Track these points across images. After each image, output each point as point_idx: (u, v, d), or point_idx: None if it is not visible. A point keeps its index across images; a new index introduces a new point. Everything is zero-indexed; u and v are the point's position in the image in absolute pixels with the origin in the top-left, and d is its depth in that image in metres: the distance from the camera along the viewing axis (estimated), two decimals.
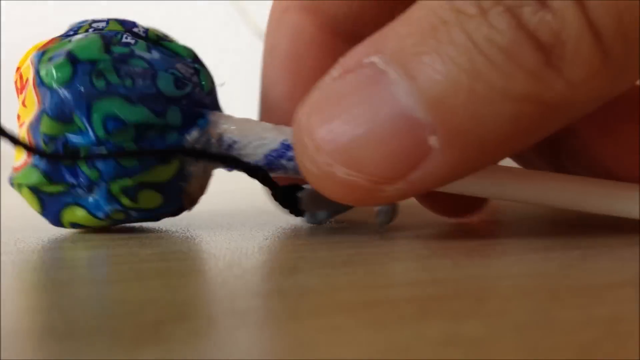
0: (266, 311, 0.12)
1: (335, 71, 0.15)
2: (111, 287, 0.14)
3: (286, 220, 0.21)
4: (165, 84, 0.18)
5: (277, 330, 0.11)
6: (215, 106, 0.19)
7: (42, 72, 0.18)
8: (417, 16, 0.14)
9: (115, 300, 0.13)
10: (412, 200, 0.23)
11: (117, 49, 0.18)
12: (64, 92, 0.17)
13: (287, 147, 0.18)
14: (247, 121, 0.18)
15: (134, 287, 0.14)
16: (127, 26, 0.19)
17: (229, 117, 0.18)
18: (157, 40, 0.19)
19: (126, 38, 0.18)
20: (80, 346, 0.10)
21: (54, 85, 0.17)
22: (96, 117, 0.17)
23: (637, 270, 0.15)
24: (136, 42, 0.18)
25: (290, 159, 0.18)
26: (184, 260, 0.16)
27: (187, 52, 0.19)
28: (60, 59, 0.17)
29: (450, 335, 0.11)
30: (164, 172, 0.18)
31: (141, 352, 0.10)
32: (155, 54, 0.18)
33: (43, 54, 0.18)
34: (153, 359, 0.10)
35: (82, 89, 0.17)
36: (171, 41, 0.19)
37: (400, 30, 0.14)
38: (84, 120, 0.17)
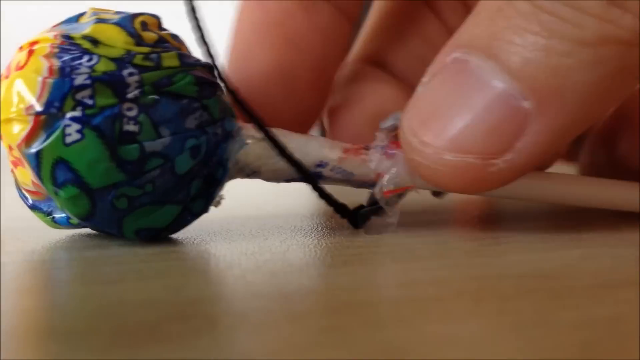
0: (266, 311, 0.12)
1: (424, 78, 0.16)
2: (111, 287, 0.14)
3: (286, 220, 0.21)
4: (183, 165, 0.16)
5: (277, 331, 0.11)
6: (230, 122, 0.17)
7: (56, 202, 0.16)
8: (482, 8, 0.15)
9: (115, 300, 0.13)
10: (413, 200, 0.23)
11: (126, 152, 0.16)
12: (86, 223, 0.17)
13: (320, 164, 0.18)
14: (261, 143, 0.17)
15: (134, 287, 0.14)
16: (119, 90, 0.16)
17: (244, 142, 0.17)
18: (157, 90, 0.16)
19: (127, 123, 0.16)
20: (80, 346, 0.10)
21: (75, 221, 0.17)
22: (127, 231, 0.17)
23: (637, 270, 0.15)
24: (140, 126, 0.16)
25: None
26: (184, 260, 0.16)
27: (189, 82, 0.17)
28: (73, 191, 0.16)
29: (450, 335, 0.11)
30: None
31: (141, 352, 0.10)
32: (165, 134, 0.16)
33: (38, 158, 0.15)
34: (153, 359, 0.10)
35: (105, 215, 0.16)
36: (170, 76, 0.16)
37: (470, 24, 0.16)
38: (116, 233, 0.17)
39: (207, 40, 0.17)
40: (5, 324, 0.11)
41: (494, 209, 0.25)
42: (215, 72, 0.17)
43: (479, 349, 0.10)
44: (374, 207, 0.19)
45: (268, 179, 0.18)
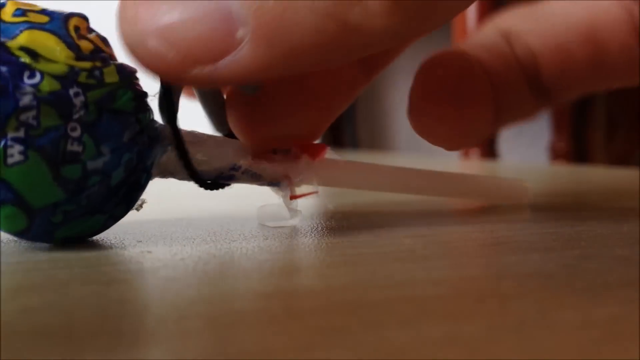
0: (266, 311, 0.12)
1: None
2: (111, 287, 0.14)
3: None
4: (117, 177, 0.17)
5: (277, 331, 0.11)
6: (153, 128, 0.18)
7: None
8: None
9: (115, 300, 0.13)
10: (413, 199, 0.23)
11: (69, 172, 0.16)
12: (17, 235, 0.17)
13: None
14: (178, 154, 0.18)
15: (134, 287, 0.14)
16: (65, 110, 0.16)
17: (166, 148, 0.18)
18: (100, 108, 0.16)
19: (72, 144, 0.16)
20: (80, 346, 0.10)
21: (8, 232, 0.17)
22: (56, 240, 0.17)
23: (637, 270, 0.15)
24: (84, 147, 0.16)
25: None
26: (183, 260, 0.16)
27: (129, 98, 0.17)
28: (11, 210, 0.16)
29: (450, 335, 0.11)
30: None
31: (141, 352, 0.10)
32: (105, 152, 0.16)
33: None
34: (153, 359, 0.10)
35: (40, 230, 0.16)
36: (111, 92, 0.16)
37: None
38: (44, 242, 0.17)
39: None
40: (5, 324, 0.11)
41: (494, 209, 0.25)
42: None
43: (479, 349, 0.10)
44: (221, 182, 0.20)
45: (182, 179, 0.19)
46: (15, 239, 0.18)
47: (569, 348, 0.10)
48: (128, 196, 0.17)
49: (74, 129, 0.16)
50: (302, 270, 0.15)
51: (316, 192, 0.20)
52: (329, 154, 0.21)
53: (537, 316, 0.12)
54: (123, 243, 0.18)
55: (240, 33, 0.15)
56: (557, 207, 0.27)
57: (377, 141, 1.22)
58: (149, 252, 0.16)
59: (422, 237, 0.19)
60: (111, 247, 0.17)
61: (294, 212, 0.20)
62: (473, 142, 0.23)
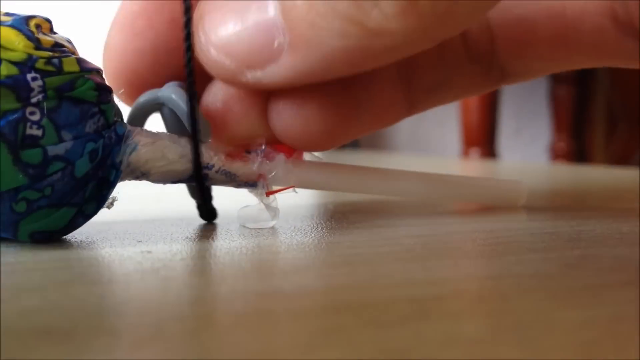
0: (266, 311, 0.12)
1: None
2: (111, 287, 0.14)
3: (286, 220, 0.21)
4: (82, 168, 0.17)
5: (277, 331, 0.11)
6: (121, 126, 0.18)
7: None
8: None
9: (115, 300, 0.13)
10: (413, 200, 0.23)
11: (29, 156, 0.16)
12: None
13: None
14: (151, 147, 0.18)
15: (134, 287, 0.14)
16: (22, 94, 0.16)
17: (136, 146, 0.18)
18: (60, 96, 0.16)
19: (31, 127, 0.16)
20: (80, 346, 0.10)
21: None
22: (22, 235, 0.17)
23: (637, 270, 0.15)
24: (44, 131, 0.16)
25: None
26: (183, 260, 0.16)
27: (89, 87, 0.17)
28: None
29: (450, 335, 0.11)
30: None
31: (141, 352, 0.10)
32: (67, 138, 0.16)
33: None
34: (153, 359, 0.10)
35: (3, 219, 0.16)
36: (71, 81, 0.16)
37: None
38: (10, 236, 0.17)
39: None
40: (5, 324, 0.11)
41: (494, 209, 0.25)
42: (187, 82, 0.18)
43: (479, 349, 0.10)
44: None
45: (156, 181, 0.19)
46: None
47: (569, 348, 0.10)
48: (98, 193, 0.17)
49: (32, 113, 0.16)
50: (302, 270, 0.15)
51: (292, 187, 0.20)
52: (307, 154, 0.21)
53: (537, 316, 0.12)
54: (123, 243, 0.18)
55: (278, 42, 0.16)
56: (557, 207, 0.27)
57: (377, 141, 1.23)
58: (149, 252, 0.16)
59: (422, 237, 0.19)
60: (111, 247, 0.17)
61: (272, 211, 0.20)
62: (377, 127, 0.22)
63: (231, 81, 0.18)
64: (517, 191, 0.24)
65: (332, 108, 0.20)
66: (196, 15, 0.18)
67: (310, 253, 0.17)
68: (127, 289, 0.14)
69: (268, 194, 0.20)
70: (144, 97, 0.19)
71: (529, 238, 0.19)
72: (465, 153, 1.00)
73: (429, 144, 1.19)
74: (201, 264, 0.16)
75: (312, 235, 0.19)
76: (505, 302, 0.13)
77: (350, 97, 0.21)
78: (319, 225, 0.21)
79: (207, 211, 0.21)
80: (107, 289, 0.14)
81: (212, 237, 0.19)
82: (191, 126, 0.18)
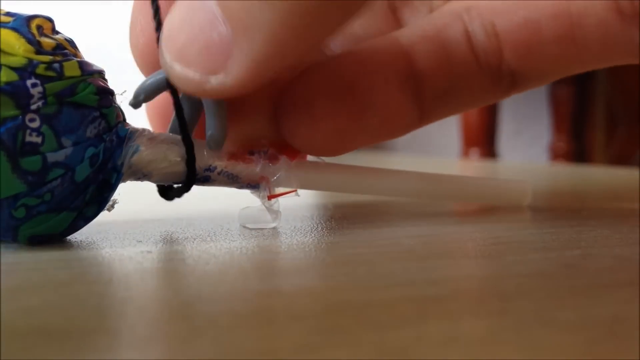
0: (266, 311, 0.12)
1: None
2: (111, 287, 0.14)
3: (286, 221, 0.21)
4: (82, 173, 0.17)
5: (277, 331, 0.11)
6: (123, 127, 0.18)
7: None
8: None
9: (115, 300, 0.13)
10: (413, 200, 0.23)
11: (28, 164, 0.16)
12: None
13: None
14: (153, 149, 0.18)
15: (134, 287, 0.14)
16: (22, 101, 0.16)
17: (137, 148, 0.18)
18: (60, 101, 0.16)
19: (30, 134, 0.16)
20: (80, 346, 0.10)
21: None
22: (22, 238, 0.17)
23: (637, 270, 0.15)
24: (43, 138, 0.16)
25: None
26: (183, 260, 0.16)
27: (90, 92, 0.17)
28: None
29: (450, 335, 0.11)
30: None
31: (141, 352, 0.10)
32: (67, 144, 0.16)
33: None
34: (153, 359, 0.10)
35: (2, 224, 0.16)
36: (72, 86, 0.16)
37: None
38: (9, 240, 0.17)
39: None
40: (5, 324, 0.11)
41: (493, 209, 0.25)
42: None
43: (479, 349, 0.10)
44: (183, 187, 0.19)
45: (158, 181, 0.19)
46: None
47: (569, 348, 0.10)
48: (99, 196, 0.17)
49: (32, 120, 0.16)
50: (302, 270, 0.15)
51: (295, 191, 0.20)
52: (310, 157, 0.21)
53: (537, 316, 0.12)
54: (123, 243, 0.18)
55: (222, 34, 0.16)
56: (557, 207, 0.27)
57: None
58: (149, 252, 0.16)
59: (422, 237, 0.19)
60: (111, 247, 0.17)
61: (274, 213, 0.20)
62: (385, 137, 0.22)
63: (201, 92, 0.17)
64: (522, 191, 0.24)
65: (339, 111, 0.20)
66: (161, 35, 0.17)
67: (310, 253, 0.17)
68: (127, 289, 0.14)
69: (270, 197, 0.20)
70: (158, 75, 0.19)
71: (529, 238, 0.19)
72: (465, 153, 1.00)
73: (429, 144, 1.19)
74: (201, 264, 0.16)
75: (312, 235, 0.19)
76: (505, 302, 0.13)
77: (357, 102, 0.20)
78: (319, 226, 0.21)
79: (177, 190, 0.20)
80: (107, 289, 0.14)
81: (212, 237, 0.19)
82: (180, 128, 0.18)
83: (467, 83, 0.22)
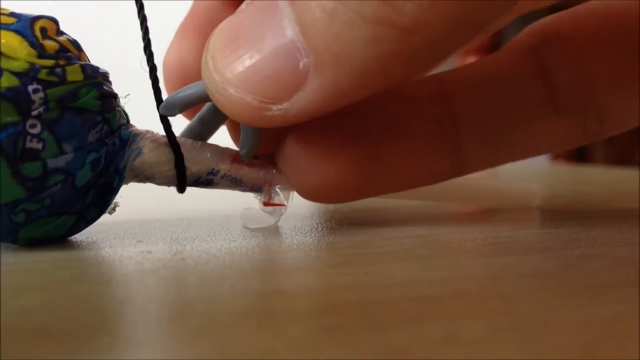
0: (266, 311, 0.12)
1: (243, 4, 0.16)
2: (111, 287, 0.14)
3: (286, 220, 0.21)
4: (83, 178, 0.17)
5: (277, 331, 0.11)
6: (126, 130, 0.18)
7: None
8: None
9: (115, 300, 0.13)
10: (412, 200, 0.23)
11: (28, 170, 0.16)
12: None
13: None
14: (155, 152, 0.18)
15: (134, 287, 0.14)
16: (23, 107, 0.15)
17: (140, 151, 0.18)
18: (62, 107, 0.16)
19: (31, 141, 0.16)
20: (80, 346, 0.10)
21: None
22: (22, 241, 0.17)
23: (637, 270, 0.15)
24: (44, 144, 0.16)
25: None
26: (183, 260, 0.16)
27: (93, 97, 0.17)
28: None
29: (450, 335, 0.11)
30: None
31: (141, 352, 0.10)
32: (68, 150, 0.16)
33: None
34: (153, 359, 0.10)
35: (2, 229, 0.16)
36: (74, 91, 0.16)
37: None
38: (9, 242, 0.17)
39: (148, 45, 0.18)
40: (5, 324, 0.11)
41: (494, 209, 0.25)
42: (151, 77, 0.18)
43: (479, 349, 0.10)
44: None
45: (160, 184, 0.19)
46: None
47: (569, 348, 0.10)
48: (101, 199, 0.17)
49: (33, 126, 0.16)
50: (302, 270, 0.15)
51: (283, 205, 0.20)
52: None
53: (537, 316, 0.12)
54: (123, 243, 0.18)
55: (303, 64, 0.15)
56: (557, 207, 0.27)
57: None
58: (149, 252, 0.16)
59: (422, 237, 0.19)
60: (111, 247, 0.17)
61: (277, 215, 0.20)
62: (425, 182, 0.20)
63: (256, 120, 0.16)
64: (532, 193, 0.24)
65: (353, 156, 0.18)
66: (205, 52, 0.16)
67: (310, 253, 0.17)
68: (127, 289, 0.13)
69: (265, 204, 0.20)
70: (194, 88, 0.18)
71: (529, 238, 0.19)
72: None
73: None
74: (201, 264, 0.15)
75: (312, 235, 0.19)
76: (505, 302, 0.13)
77: (374, 146, 0.19)
78: (319, 225, 0.21)
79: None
80: (107, 289, 0.14)
81: (212, 237, 0.19)
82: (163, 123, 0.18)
83: (529, 127, 0.20)
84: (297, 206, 0.25)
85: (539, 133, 0.20)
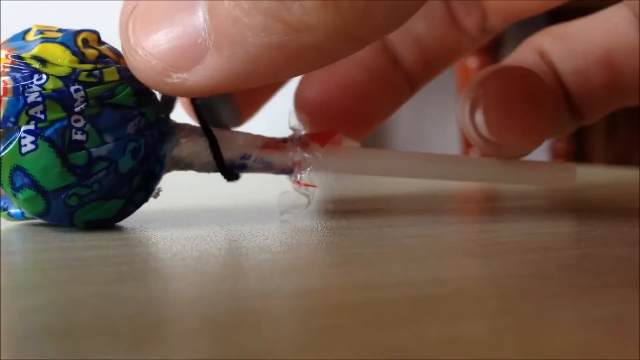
0: (266, 311, 0.12)
1: None
2: (111, 287, 0.14)
3: (286, 220, 0.21)
4: (125, 165, 0.18)
5: (277, 331, 0.11)
6: (165, 124, 0.20)
7: (14, 202, 0.19)
8: None
9: (115, 300, 0.13)
10: (413, 200, 0.23)
11: (75, 158, 0.18)
12: (41, 218, 0.19)
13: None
14: (193, 142, 0.20)
15: (134, 287, 0.14)
16: (67, 105, 0.18)
17: (178, 141, 0.20)
18: (101, 103, 0.18)
19: (76, 133, 0.18)
20: (80, 346, 0.10)
21: (29, 215, 0.19)
22: (78, 223, 0.19)
23: (637, 270, 0.15)
24: (87, 135, 0.18)
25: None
26: (183, 260, 0.16)
27: (128, 93, 0.19)
28: (29, 193, 0.18)
29: (450, 335, 0.11)
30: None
31: (141, 352, 0.10)
32: (109, 140, 0.18)
33: None
34: (153, 359, 0.10)
35: (59, 212, 0.18)
36: (111, 89, 0.18)
37: None
38: (67, 224, 0.19)
39: None
40: (5, 324, 0.11)
41: (494, 209, 0.25)
42: None
43: (479, 349, 0.10)
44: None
45: (200, 170, 0.20)
46: (15, 239, 0.18)
47: (569, 348, 0.10)
48: (145, 184, 0.19)
49: (77, 121, 0.18)
50: (302, 270, 0.15)
51: (314, 186, 0.21)
52: (344, 140, 0.21)
53: (537, 316, 0.12)
54: (123, 243, 0.18)
55: (203, 40, 0.16)
56: (557, 207, 0.27)
57: (376, 140, 1.23)
58: (149, 252, 0.17)
59: (422, 237, 0.19)
60: (111, 247, 0.17)
61: (306, 196, 0.21)
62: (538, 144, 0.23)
63: (159, 84, 0.18)
64: (568, 173, 0.24)
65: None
66: (124, 16, 0.18)
67: (310, 253, 0.17)
68: (127, 289, 0.13)
69: (295, 182, 0.21)
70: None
71: (529, 238, 0.19)
72: (465, 153, 0.99)
73: (429, 144, 1.19)
74: (201, 264, 0.16)
75: (312, 235, 0.19)
76: (505, 302, 0.13)
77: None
78: (319, 225, 0.21)
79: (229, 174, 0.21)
80: (107, 289, 0.14)
81: (213, 237, 0.19)
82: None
83: (559, 115, 0.24)
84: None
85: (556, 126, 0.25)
